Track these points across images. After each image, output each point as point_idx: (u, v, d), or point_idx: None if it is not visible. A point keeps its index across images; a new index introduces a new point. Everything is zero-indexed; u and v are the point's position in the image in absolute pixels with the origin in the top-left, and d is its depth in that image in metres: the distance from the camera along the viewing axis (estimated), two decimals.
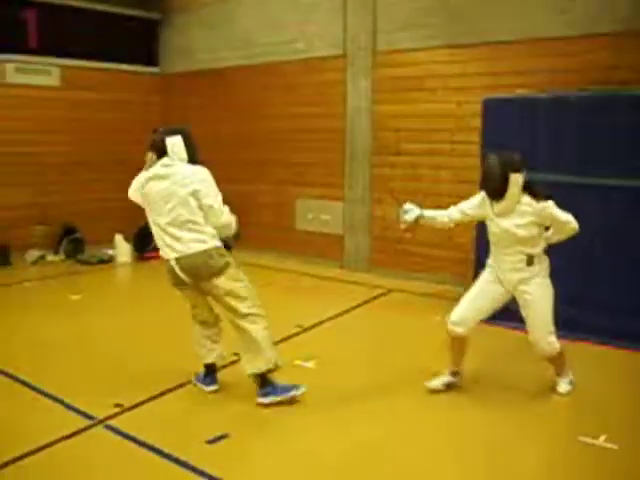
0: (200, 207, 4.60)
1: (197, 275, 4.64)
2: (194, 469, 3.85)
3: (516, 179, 4.47)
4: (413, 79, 8.31)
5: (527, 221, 4.55)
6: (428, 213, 4.98)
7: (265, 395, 4.75)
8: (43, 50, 9.81)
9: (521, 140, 6.36)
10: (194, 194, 4.57)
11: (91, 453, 4.08)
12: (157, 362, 5.65)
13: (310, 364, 5.58)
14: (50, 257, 9.96)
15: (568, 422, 4.64)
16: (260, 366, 4.72)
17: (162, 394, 4.96)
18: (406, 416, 4.66)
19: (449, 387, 5.03)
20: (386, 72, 8.55)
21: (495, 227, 4.71)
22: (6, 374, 5.30)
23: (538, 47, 7.30)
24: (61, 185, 10.12)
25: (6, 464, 3.89)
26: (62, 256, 10.03)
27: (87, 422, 4.45)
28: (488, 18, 7.63)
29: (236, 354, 5.22)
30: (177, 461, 3.93)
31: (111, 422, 4.45)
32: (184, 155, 4.71)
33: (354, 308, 7.42)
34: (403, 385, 5.17)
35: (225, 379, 5.20)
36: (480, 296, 4.84)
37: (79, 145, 10.39)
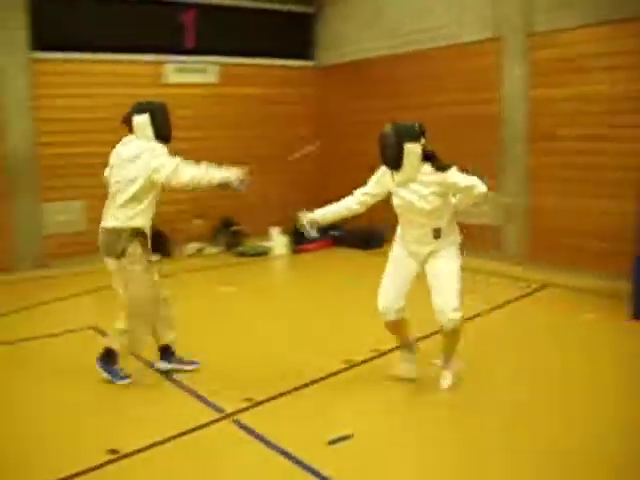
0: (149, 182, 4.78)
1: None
2: (315, 472, 3.72)
3: (412, 148, 4.40)
4: (569, 60, 7.73)
5: (430, 191, 4.44)
6: (324, 213, 4.90)
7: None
8: (200, 49, 10.12)
9: None
10: (143, 169, 4.75)
11: (215, 447, 4.09)
12: (294, 357, 5.60)
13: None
14: (208, 249, 10.29)
15: None
16: None
17: (294, 389, 4.90)
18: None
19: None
20: (542, 54, 8.01)
21: (397, 199, 4.62)
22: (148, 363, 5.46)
23: None
24: None
25: (132, 453, 3.97)
26: (220, 248, 10.32)
27: (216, 415, 4.47)
28: None
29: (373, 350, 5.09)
30: (298, 462, 3.82)
31: (239, 416, 4.43)
32: (149, 133, 4.85)
33: (506, 304, 7.04)
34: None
35: (354, 377, 5.11)
36: (397, 275, 4.74)
37: (238, 140, 10.61)
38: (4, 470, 3.82)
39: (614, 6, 7.25)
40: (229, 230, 10.37)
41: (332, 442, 4.03)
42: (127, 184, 4.80)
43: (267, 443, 4.05)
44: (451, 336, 4.75)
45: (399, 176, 4.54)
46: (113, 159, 5.00)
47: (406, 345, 5.04)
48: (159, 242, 9.78)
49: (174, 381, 5.11)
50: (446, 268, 4.59)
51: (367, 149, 10.51)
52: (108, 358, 5.04)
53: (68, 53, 9.29)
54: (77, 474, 3.71)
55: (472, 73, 8.86)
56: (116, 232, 4.85)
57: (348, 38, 10.70)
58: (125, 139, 4.99)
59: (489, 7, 8.53)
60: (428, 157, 4.49)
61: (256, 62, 10.72)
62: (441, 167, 4.45)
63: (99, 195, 5.43)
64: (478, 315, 6.64)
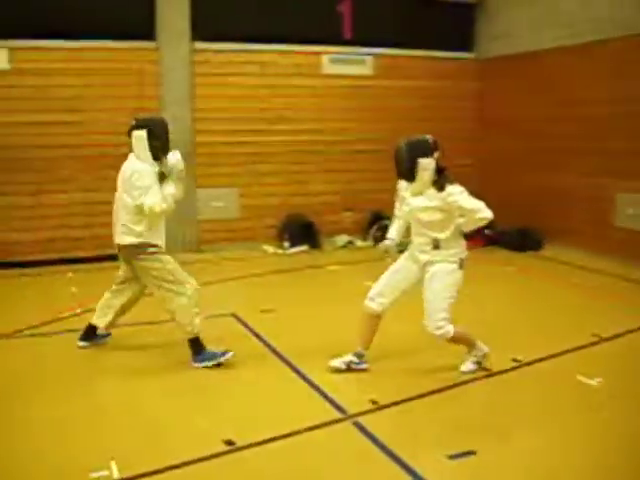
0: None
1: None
2: None
3: (425, 163, 4.59)
4: None
5: (432, 205, 4.64)
6: (395, 234, 5.12)
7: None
8: (357, 40, 10.03)
9: None
10: (127, 191, 5.05)
11: (331, 449, 3.96)
12: (434, 360, 5.30)
13: (593, 381, 4.85)
14: (359, 243, 10.22)
15: None
16: None
17: (419, 397, 4.66)
18: None
19: (350, 369, 5.01)
20: None
21: (406, 206, 4.84)
22: (280, 356, 5.44)
23: None
24: (371, 173, 10.24)
25: (249, 445, 3.93)
26: (370, 242, 10.20)
27: (338, 416, 4.34)
28: None
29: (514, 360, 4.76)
30: (413, 474, 3.61)
31: (361, 419, 4.28)
32: (146, 152, 5.04)
33: None
34: None
35: (491, 386, 4.82)
36: (398, 273, 4.93)
37: (393, 133, 10.38)
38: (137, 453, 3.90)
39: None
40: (379, 224, 10.23)
41: (453, 457, 3.78)
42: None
43: (383, 448, 3.88)
44: (451, 342, 4.92)
45: (412, 187, 4.76)
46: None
47: (362, 347, 5.07)
48: (309, 233, 9.90)
49: (302, 375, 5.05)
50: (438, 282, 4.73)
51: (528, 145, 10.07)
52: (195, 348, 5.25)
53: (225, 43, 9.53)
54: (194, 461, 3.72)
55: None
56: None
57: (517, 28, 10.18)
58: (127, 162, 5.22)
59: None
60: (440, 172, 4.68)
61: (413, 54, 10.49)
62: (439, 185, 4.63)
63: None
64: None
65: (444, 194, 4.59)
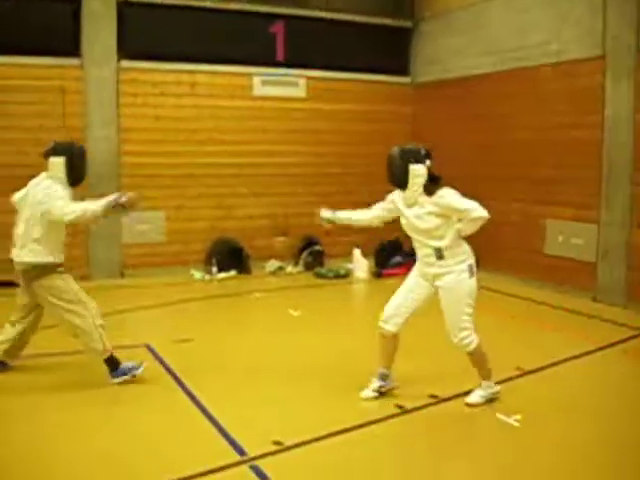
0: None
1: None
2: None
3: (417, 170, 4.55)
4: None
5: (426, 211, 4.56)
6: (342, 215, 5.14)
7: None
8: (290, 62, 9.84)
9: None
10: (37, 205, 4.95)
11: None
12: (341, 395, 5.06)
13: (511, 420, 4.63)
14: (289, 268, 9.97)
15: None
16: None
17: (331, 435, 4.37)
18: None
19: (382, 393, 4.94)
20: None
21: (403, 218, 4.75)
22: (186, 390, 5.12)
23: None
24: (303, 197, 10.04)
25: None
26: (301, 268, 9.97)
27: (237, 458, 4.03)
28: None
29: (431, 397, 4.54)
30: None
31: (259, 462, 3.97)
32: (62, 176, 5.00)
33: (594, 352, 6.25)
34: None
35: (403, 425, 4.55)
36: (408, 292, 4.84)
37: (323, 157, 10.29)
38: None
39: None
40: (311, 249, 10.01)
41: None
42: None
43: None
44: (471, 357, 4.81)
45: (404, 196, 4.69)
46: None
47: (384, 368, 4.97)
48: (237, 258, 9.61)
49: (204, 410, 4.73)
50: (450, 296, 4.67)
51: (459, 171, 10.08)
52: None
53: (154, 62, 9.25)
54: None
55: (575, 93, 8.16)
56: None
57: (448, 54, 10.16)
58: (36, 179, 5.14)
59: (594, 23, 7.83)
60: (432, 180, 4.61)
61: (347, 77, 10.34)
62: (428, 190, 4.57)
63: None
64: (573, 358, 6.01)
65: (435, 198, 4.54)
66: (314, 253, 10.05)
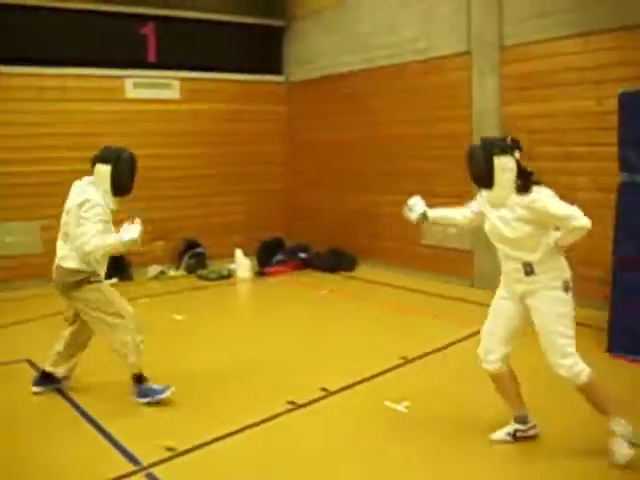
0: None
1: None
2: None
3: (503, 163, 3.81)
4: (544, 74, 7.36)
5: (516, 216, 3.81)
6: (435, 213, 4.53)
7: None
8: (162, 64, 9.69)
9: None
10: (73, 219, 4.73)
11: None
12: (232, 395, 5.08)
13: (401, 407, 4.81)
14: (172, 272, 9.84)
15: None
16: None
17: (225, 436, 4.38)
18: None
19: (517, 438, 4.18)
20: (515, 68, 7.65)
21: (486, 222, 4.04)
22: (74, 404, 4.97)
23: None
24: (182, 200, 9.94)
25: None
26: (183, 271, 9.86)
27: (131, 467, 3.96)
28: None
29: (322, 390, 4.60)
30: None
31: (155, 469, 3.93)
32: (106, 185, 4.80)
33: (474, 335, 6.53)
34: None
35: (296, 420, 4.58)
36: (496, 321, 4.12)
37: (199, 158, 10.19)
38: None
39: (587, 19, 6.92)
40: (192, 252, 9.92)
41: None
42: None
43: None
44: (583, 391, 3.94)
45: (490, 196, 3.96)
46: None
47: (515, 410, 4.22)
48: (118, 265, 9.38)
49: (93, 422, 4.61)
50: (545, 317, 3.88)
51: (337, 167, 10.27)
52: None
53: (21, 67, 8.85)
54: None
55: (445, 88, 8.50)
56: None
57: (321, 53, 10.32)
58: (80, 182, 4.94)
59: (459, 20, 8.19)
60: (523, 174, 3.85)
61: (221, 77, 10.29)
62: (522, 186, 3.81)
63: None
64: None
65: (528, 200, 3.76)
66: (195, 255, 9.95)
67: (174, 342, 6.54)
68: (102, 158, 4.81)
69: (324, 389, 5.13)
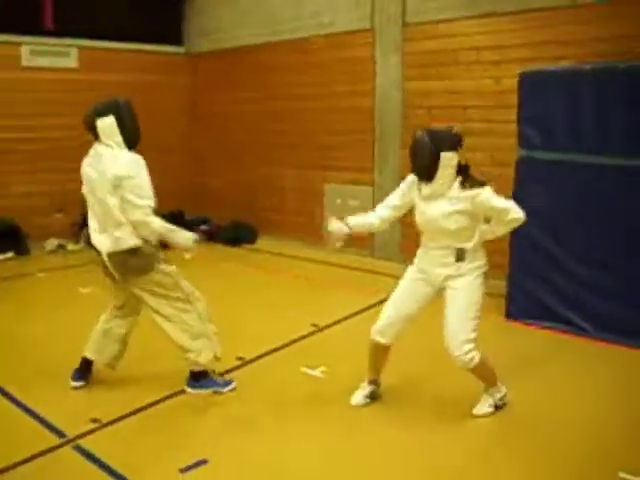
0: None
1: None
2: None
3: (449, 159, 3.86)
4: (446, 52, 7.66)
5: (456, 209, 3.92)
6: (354, 221, 4.29)
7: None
8: (60, 31, 9.35)
9: (563, 118, 5.77)
10: (115, 189, 4.17)
11: (51, 478, 3.62)
12: (149, 368, 5.12)
13: (317, 372, 5.02)
14: (70, 246, 9.63)
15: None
16: None
17: (146, 407, 4.45)
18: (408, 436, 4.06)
19: (373, 398, 4.51)
20: (417, 46, 7.91)
21: (420, 214, 4.09)
22: None
23: (584, 13, 6.56)
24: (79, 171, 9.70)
25: None
26: (83, 244, 9.66)
27: (57, 440, 3.98)
28: None
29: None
30: None
31: (82, 441, 3.96)
32: (118, 138, 4.26)
33: (380, 303, 6.77)
34: (421, 396, 4.59)
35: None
36: (408, 299, 4.24)
37: None
38: None
39: (488, 1, 7.23)
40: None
41: (185, 469, 3.64)
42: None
43: (108, 471, 3.62)
44: (474, 372, 4.20)
45: (428, 189, 3.99)
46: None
47: (375, 375, 4.53)
48: (14, 238, 9.11)
49: (13, 400, 4.55)
50: (463, 300, 4.04)
51: (241, 140, 10.29)
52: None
53: None
54: None
55: (348, 63, 8.65)
56: None
57: (224, 25, 10.23)
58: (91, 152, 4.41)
59: None
60: (461, 170, 3.95)
61: (121, 47, 10.05)
62: (470, 184, 3.91)
63: None
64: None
65: (472, 194, 3.88)
66: None
67: (85, 316, 6.46)
68: (99, 112, 4.26)
69: (240, 358, 5.26)
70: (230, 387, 4.68)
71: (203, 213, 10.50)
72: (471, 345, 4.04)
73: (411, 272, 4.28)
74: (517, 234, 6.02)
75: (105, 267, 4.45)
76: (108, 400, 4.53)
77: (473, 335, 4.04)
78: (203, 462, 3.71)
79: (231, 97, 10.28)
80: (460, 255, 4.02)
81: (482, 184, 3.93)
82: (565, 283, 5.93)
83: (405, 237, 8.24)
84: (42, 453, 3.82)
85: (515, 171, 6.13)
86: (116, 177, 4.14)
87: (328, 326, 6.10)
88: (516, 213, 3.97)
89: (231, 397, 4.63)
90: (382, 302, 6.61)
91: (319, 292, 7.38)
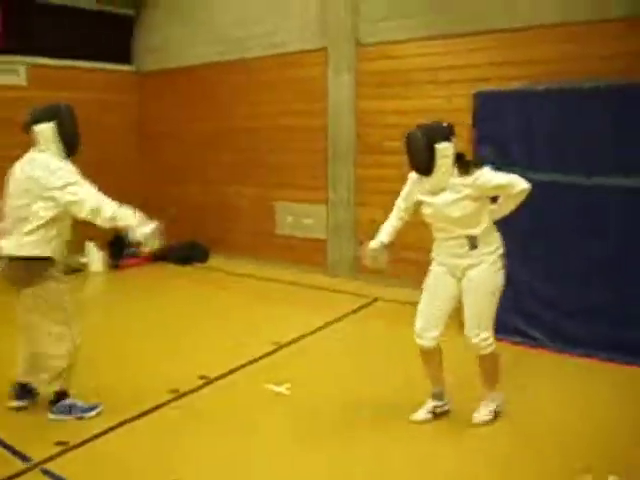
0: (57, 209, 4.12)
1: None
2: None
3: (444, 149, 3.96)
4: (399, 72, 7.81)
5: (460, 196, 3.99)
6: (386, 237, 4.39)
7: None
8: (8, 48, 9.18)
9: (518, 137, 5.93)
10: (49, 198, 4.09)
11: None
12: (112, 389, 5.02)
13: (282, 389, 5.03)
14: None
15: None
16: None
17: (111, 429, 4.39)
18: (388, 450, 4.11)
19: (437, 414, 4.47)
20: (372, 66, 8.02)
21: (427, 208, 4.16)
22: None
23: (536, 35, 6.79)
24: None
25: None
26: None
27: (22, 466, 3.89)
28: (478, 4, 7.14)
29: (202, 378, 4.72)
30: None
31: (49, 465, 3.89)
32: (57, 145, 4.21)
33: (337, 320, 6.87)
34: (389, 412, 4.63)
35: (182, 409, 4.72)
36: (435, 297, 4.26)
37: None
38: None
39: (443, 22, 7.41)
40: None
41: None
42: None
43: None
44: (486, 360, 4.27)
45: (430, 182, 4.07)
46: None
47: (436, 386, 4.47)
48: None
49: None
50: (483, 287, 4.11)
51: (191, 159, 10.23)
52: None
53: None
54: None
55: (300, 83, 8.72)
56: None
57: (174, 43, 10.19)
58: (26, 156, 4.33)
59: (316, 16, 8.42)
60: (459, 158, 4.05)
61: (69, 64, 9.90)
62: (468, 169, 4.01)
63: None
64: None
65: (472, 179, 3.96)
66: None
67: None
68: (38, 118, 4.21)
69: (203, 377, 5.24)
70: (94, 412, 4.51)
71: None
72: (489, 333, 4.15)
73: (435, 269, 4.31)
74: None
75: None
76: (72, 424, 4.44)
77: (490, 323, 4.15)
78: None
79: (181, 116, 10.24)
80: (473, 242, 4.06)
81: (479, 165, 4.04)
82: (526, 300, 6.06)
83: (359, 255, 8.33)
84: (10, 477, 3.74)
85: None
86: (48, 188, 4.08)
87: (288, 343, 6.11)
88: (522, 184, 4.03)
89: (201, 414, 4.61)
90: (336, 320, 6.82)
91: (275, 310, 7.36)
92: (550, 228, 5.87)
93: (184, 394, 4.94)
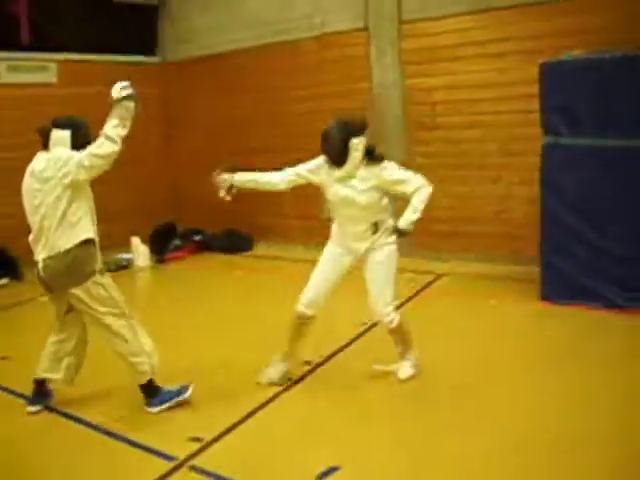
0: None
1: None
2: None
3: (357, 144, 4.32)
4: (446, 49, 7.72)
5: (369, 186, 4.38)
6: (243, 178, 4.73)
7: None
8: (37, 45, 9.00)
9: (587, 104, 5.95)
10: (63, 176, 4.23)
11: None
12: (219, 383, 5.00)
13: (392, 368, 4.92)
14: None
15: None
16: None
17: (240, 422, 4.33)
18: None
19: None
20: (415, 43, 7.94)
21: (334, 195, 4.50)
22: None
23: (582, 4, 6.74)
24: None
25: None
26: None
27: (170, 464, 3.80)
28: None
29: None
30: None
31: (195, 461, 3.82)
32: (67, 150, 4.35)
33: (410, 299, 6.81)
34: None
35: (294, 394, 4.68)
36: (324, 275, 4.64)
37: None
38: None
39: None
40: None
41: (320, 477, 3.56)
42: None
43: None
44: (395, 332, 4.71)
45: (340, 172, 4.42)
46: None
47: (291, 353, 4.85)
48: (4, 263, 8.70)
49: (99, 429, 4.32)
50: (384, 266, 4.53)
51: (226, 146, 9.96)
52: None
53: None
54: None
55: (342, 64, 8.60)
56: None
57: (204, 30, 10.02)
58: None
59: None
60: (369, 152, 4.41)
61: (97, 58, 9.72)
62: (372, 160, 4.39)
63: None
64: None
65: (377, 170, 4.37)
66: None
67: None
68: (58, 124, 4.42)
69: (307, 362, 5.20)
70: (189, 391, 4.56)
71: (193, 223, 10.28)
72: (391, 308, 4.56)
73: (331, 248, 4.68)
74: (548, 220, 6.19)
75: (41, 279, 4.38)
76: (202, 418, 4.41)
77: (392, 299, 4.57)
78: (336, 469, 3.64)
79: (211, 104, 10.09)
80: (375, 227, 4.47)
81: (382, 158, 4.40)
82: (598, 261, 6.08)
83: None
84: (162, 478, 3.68)
85: (542, 158, 6.25)
86: (61, 164, 4.23)
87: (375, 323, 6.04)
88: (416, 183, 4.38)
89: (319, 399, 4.58)
90: (413, 297, 6.78)
91: (346, 291, 7.26)
92: (631, 192, 5.87)
93: (297, 382, 4.90)
